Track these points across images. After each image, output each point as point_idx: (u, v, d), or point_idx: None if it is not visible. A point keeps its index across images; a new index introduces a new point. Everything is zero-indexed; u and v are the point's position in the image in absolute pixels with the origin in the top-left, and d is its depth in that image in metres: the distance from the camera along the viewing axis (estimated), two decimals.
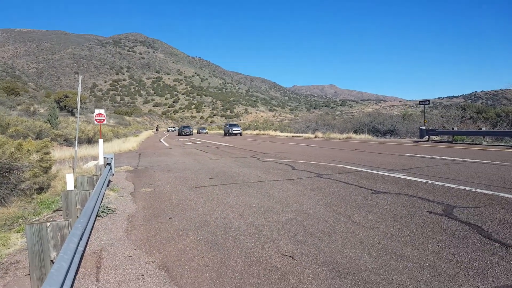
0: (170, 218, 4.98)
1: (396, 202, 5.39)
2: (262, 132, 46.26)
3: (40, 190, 7.73)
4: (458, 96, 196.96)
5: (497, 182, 6.66)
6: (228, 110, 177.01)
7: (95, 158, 14.04)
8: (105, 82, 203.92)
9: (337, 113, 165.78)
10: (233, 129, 41.97)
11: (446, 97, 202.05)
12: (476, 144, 17.62)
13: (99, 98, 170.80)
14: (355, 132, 30.69)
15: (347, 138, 27.29)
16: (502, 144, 17.39)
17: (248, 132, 52.12)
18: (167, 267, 3.28)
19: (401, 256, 3.32)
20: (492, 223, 4.19)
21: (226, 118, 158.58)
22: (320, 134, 31.23)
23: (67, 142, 23.14)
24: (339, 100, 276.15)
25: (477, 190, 6.01)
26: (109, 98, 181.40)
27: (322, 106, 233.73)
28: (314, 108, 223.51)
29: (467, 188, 6.18)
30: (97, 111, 15.12)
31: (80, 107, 10.23)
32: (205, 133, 59.91)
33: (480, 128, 19.77)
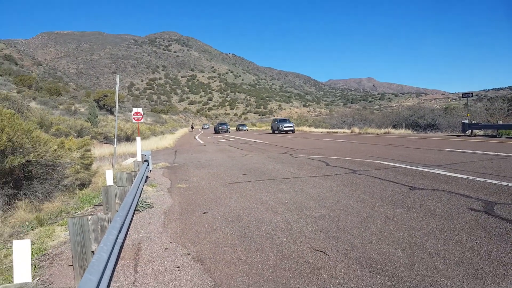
0: (204, 213, 5.12)
1: (434, 199, 5.21)
2: (296, 128, 45.98)
3: (82, 185, 8.21)
4: (505, 88, 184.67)
5: None
6: (262, 107, 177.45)
7: (134, 155, 14.64)
8: (142, 81, 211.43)
9: (375, 107, 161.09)
10: (284, 125, 35.33)
11: (492, 89, 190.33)
12: None
13: (136, 97, 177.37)
14: (394, 127, 29.65)
15: (385, 133, 26.48)
16: None
17: None
18: (202, 259, 3.39)
19: (437, 252, 3.23)
20: None
21: (259, 115, 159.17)
22: (356, 130, 30.53)
23: (106, 139, 24.28)
24: (378, 94, 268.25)
25: None
26: (146, 96, 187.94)
27: (360, 100, 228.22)
28: (351, 103, 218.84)
29: (510, 184, 5.84)
30: (134, 110, 15.71)
31: (118, 105, 10.74)
32: (245, 130, 53.91)
33: None
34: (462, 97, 25.01)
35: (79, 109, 38.65)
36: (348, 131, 31.63)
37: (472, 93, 23.71)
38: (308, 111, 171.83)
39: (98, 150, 16.16)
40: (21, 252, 1.91)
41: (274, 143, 20.50)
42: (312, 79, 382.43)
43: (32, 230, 4.92)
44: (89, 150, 8.62)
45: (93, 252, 2.99)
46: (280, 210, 5.02)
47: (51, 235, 4.57)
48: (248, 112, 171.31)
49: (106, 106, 47.85)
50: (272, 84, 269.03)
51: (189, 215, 5.07)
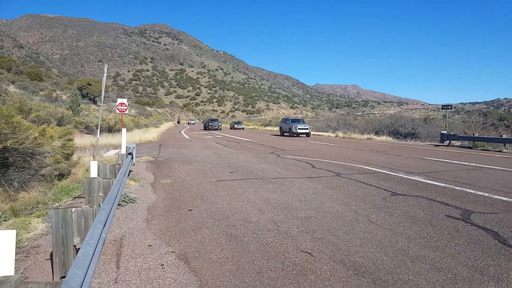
0: (189, 210, 5.09)
1: (414, 205, 5.35)
2: None
3: (61, 176, 7.97)
4: (481, 102, 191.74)
5: None
6: (250, 106, 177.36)
7: (116, 147, 14.39)
8: (128, 71, 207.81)
9: (358, 113, 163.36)
10: (298, 126, 28.26)
11: (469, 102, 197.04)
12: (496, 151, 17.14)
13: (121, 87, 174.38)
14: (376, 133, 30.21)
15: (367, 139, 26.91)
16: None
17: (269, 128, 52.08)
18: (187, 257, 3.37)
19: (418, 257, 3.32)
20: (509, 229, 4.15)
21: (247, 114, 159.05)
22: (340, 134, 30.93)
23: (88, 130, 23.75)
24: (361, 101, 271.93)
25: (495, 196, 5.92)
26: (132, 88, 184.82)
27: (344, 106, 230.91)
28: (336, 108, 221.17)
29: (486, 194, 6.07)
30: (119, 100, 15.43)
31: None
32: (241, 128, 50.03)
33: (501, 135, 19.14)
34: (442, 109, 25.73)
35: (60, 96, 37.68)
36: (333, 135, 32.01)
37: (451, 105, 24.48)
38: (295, 113, 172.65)
39: (79, 140, 15.78)
40: (5, 244, 1.85)
41: (261, 142, 20.54)
42: (300, 82, 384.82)
43: (5, 221, 4.70)
44: (71, 140, 8.38)
45: (74, 246, 2.90)
46: (267, 210, 5.05)
47: (26, 226, 4.38)
48: (236, 110, 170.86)
49: (89, 95, 46.82)
50: (261, 84, 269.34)
51: (174, 212, 5.02)
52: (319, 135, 33.01)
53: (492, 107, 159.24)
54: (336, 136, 30.21)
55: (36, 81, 45.32)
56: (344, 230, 4.11)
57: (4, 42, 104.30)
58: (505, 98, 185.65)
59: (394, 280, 2.84)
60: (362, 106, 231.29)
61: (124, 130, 8.90)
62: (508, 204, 5.37)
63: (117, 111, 12.43)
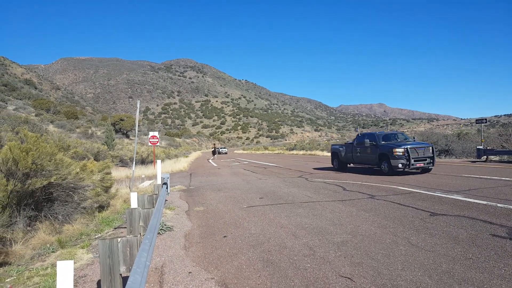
0: (224, 237, 5.14)
1: (455, 225, 5.14)
2: (308, 152, 45.81)
3: (101, 208, 8.31)
4: None
5: None
6: (274, 131, 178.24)
7: (150, 177, 14.81)
8: (157, 105, 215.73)
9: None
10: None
11: (504, 114, 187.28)
12: None
13: (151, 121, 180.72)
14: None
15: None
16: None
17: (294, 152, 51.90)
18: (226, 284, 3.40)
19: (464, 279, 3.19)
20: None
21: (271, 139, 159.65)
22: None
23: (122, 162, 24.62)
24: (389, 119, 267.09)
25: None
26: (161, 120, 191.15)
27: (371, 126, 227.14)
28: (363, 128, 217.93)
29: None
30: (151, 133, 15.99)
31: (135, 129, 10.96)
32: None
33: None
34: (476, 123, 24.84)
35: (95, 133, 39.52)
36: None
37: (486, 119, 23.58)
38: (320, 136, 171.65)
39: (114, 172, 16.38)
40: (64, 273, 1.98)
41: (287, 166, 20.49)
42: (323, 104, 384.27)
43: (53, 252, 4.96)
44: (109, 173, 8.78)
45: (121, 275, 3.03)
46: (300, 234, 5.02)
47: (73, 257, 4.61)
48: (260, 136, 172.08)
49: (122, 130, 48.82)
50: (284, 108, 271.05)
51: (210, 239, 5.09)
52: None
53: None
54: None
55: (72, 119, 47.87)
56: (384, 254, 4.01)
57: (43, 85, 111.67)
58: None
59: None
60: (390, 124, 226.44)
61: (159, 161, 9.21)
62: None
63: (149, 144, 12.92)
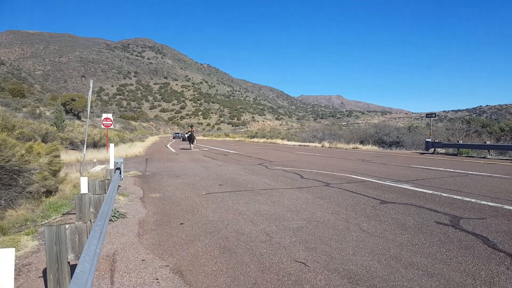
0: (181, 224, 5.05)
1: (404, 212, 5.44)
2: (269, 140, 46.33)
3: (48, 193, 7.82)
4: (463, 110, 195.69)
5: (502, 195, 6.71)
6: (235, 118, 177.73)
7: (102, 162, 14.19)
8: (112, 86, 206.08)
9: (343, 123, 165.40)
10: None
11: (451, 110, 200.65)
12: (480, 157, 17.60)
13: (105, 102, 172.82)
14: (361, 142, 30.67)
15: (353, 148, 27.29)
16: (506, 158, 17.35)
17: (255, 140, 52.23)
18: (181, 271, 3.34)
19: (411, 264, 3.38)
20: (498, 234, 4.25)
21: (233, 126, 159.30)
22: (327, 144, 31.27)
23: (73, 145, 23.36)
24: (346, 111, 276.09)
25: (483, 202, 6.07)
26: (116, 102, 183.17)
27: (329, 116, 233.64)
28: (321, 118, 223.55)
29: (473, 200, 6.22)
30: (104, 116, 15.28)
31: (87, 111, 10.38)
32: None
33: (485, 142, 19.71)
34: (426, 117, 26.36)
35: (44, 113, 37.01)
36: (319, 145, 32.31)
37: (435, 114, 25.06)
38: (281, 124, 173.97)
39: (64, 156, 15.46)
40: (4, 262, 1.81)
41: (248, 154, 20.56)
42: (285, 94, 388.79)
43: None
44: (58, 156, 8.26)
45: (69, 263, 2.88)
46: (258, 221, 5.05)
47: (16, 244, 4.30)
48: (221, 122, 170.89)
49: (73, 111, 46.15)
50: (246, 96, 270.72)
51: (165, 226, 4.98)
52: (305, 145, 33.26)
53: (474, 114, 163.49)
54: (322, 146, 30.51)
55: (18, 97, 44.45)
56: (337, 239, 4.15)
57: None
58: (486, 105, 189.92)
59: (388, 287, 2.89)
60: (347, 116, 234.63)
61: (112, 145, 8.82)
62: (496, 209, 5.52)
63: (102, 126, 12.31)
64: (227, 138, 68.70)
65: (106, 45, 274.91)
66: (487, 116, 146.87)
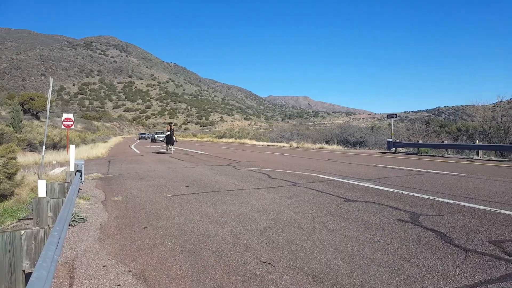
0: (144, 227, 4.91)
1: (366, 210, 5.62)
2: (237, 140, 46.29)
3: (3, 197, 7.36)
4: (423, 111, 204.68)
5: (458, 192, 7.09)
6: (203, 118, 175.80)
7: (62, 164, 13.55)
8: (74, 85, 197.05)
9: (310, 123, 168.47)
10: None
11: (412, 111, 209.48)
12: (439, 156, 18.53)
13: (66, 101, 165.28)
14: (327, 142, 31.41)
15: (319, 148, 27.84)
16: (463, 156, 18.41)
17: (224, 140, 51.97)
18: (144, 276, 3.25)
19: (372, 260, 3.48)
20: (454, 229, 4.47)
21: (201, 126, 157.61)
22: (294, 144, 31.71)
23: (31, 147, 22.16)
24: (312, 112, 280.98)
25: (440, 199, 6.38)
26: (77, 102, 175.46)
27: (297, 117, 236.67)
28: (289, 118, 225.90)
29: (431, 198, 6.53)
30: (65, 116, 14.63)
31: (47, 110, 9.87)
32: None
33: (443, 142, 20.83)
34: (387, 118, 27.44)
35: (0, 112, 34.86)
36: (287, 145, 32.71)
37: (396, 114, 26.13)
38: (249, 125, 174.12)
39: (22, 158, 14.64)
40: None
41: (216, 154, 20.42)
42: (253, 94, 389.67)
43: None
44: (14, 158, 7.77)
45: (23, 271, 2.72)
46: (225, 222, 5.02)
47: None
48: (189, 122, 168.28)
49: (31, 110, 43.83)
50: (214, 96, 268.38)
51: (128, 230, 4.82)
52: (274, 145, 33.55)
53: (433, 115, 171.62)
54: (290, 146, 30.90)
55: None
56: (302, 238, 4.21)
57: None
58: (445, 106, 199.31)
59: (351, 284, 2.96)
60: (313, 116, 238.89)
61: (72, 146, 8.44)
62: (452, 206, 5.81)
63: (63, 127, 11.76)
64: (195, 139, 67.96)
65: (68, 43, 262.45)
66: (445, 117, 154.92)
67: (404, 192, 7.11)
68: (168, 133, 21.68)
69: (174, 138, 22.12)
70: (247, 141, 43.12)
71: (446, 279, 3.02)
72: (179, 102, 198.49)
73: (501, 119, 22.72)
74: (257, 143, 39.56)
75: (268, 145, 35.21)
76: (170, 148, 22.27)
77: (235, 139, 49.64)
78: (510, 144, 18.59)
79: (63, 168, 11.64)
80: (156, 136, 49.40)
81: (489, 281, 2.96)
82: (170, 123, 22.13)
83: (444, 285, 2.91)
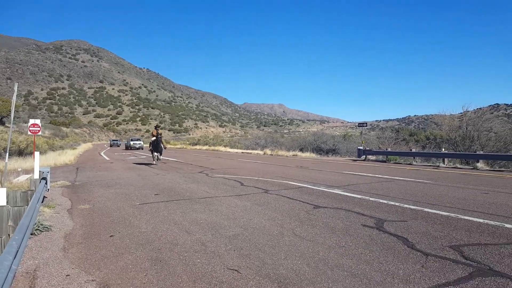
0: (111, 236, 4.82)
1: (334, 216, 5.76)
2: (212, 147, 46.03)
3: None
4: (394, 120, 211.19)
5: (422, 199, 7.38)
6: (177, 124, 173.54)
7: (28, 171, 13.02)
8: (42, 90, 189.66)
9: (285, 131, 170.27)
10: None
11: (383, 120, 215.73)
12: (407, 164, 19.18)
13: (34, 107, 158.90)
14: (301, 150, 31.85)
15: (293, 155, 28.16)
16: (430, 164, 19.17)
17: (198, 147, 51.55)
18: (108, 285, 3.20)
19: (337, 265, 3.58)
20: (416, 235, 4.65)
21: (174, 133, 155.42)
22: (268, 151, 31.92)
23: None
24: (287, 119, 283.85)
25: (405, 205, 6.63)
26: (46, 107, 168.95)
27: (271, 124, 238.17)
28: (264, 126, 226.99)
29: (397, 204, 6.77)
30: (31, 121, 14.09)
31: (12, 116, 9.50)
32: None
33: (411, 150, 21.61)
34: (358, 126, 28.20)
35: None
36: (261, 152, 32.88)
37: (366, 123, 26.94)
38: (224, 132, 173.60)
39: None
40: None
41: (189, 161, 20.24)
42: (228, 101, 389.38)
43: None
44: None
45: None
46: (194, 230, 5.00)
47: None
48: (162, 129, 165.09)
49: None
50: (189, 102, 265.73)
51: (94, 239, 4.71)
52: (248, 153, 33.63)
53: (404, 124, 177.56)
54: (264, 154, 31.07)
55: None
56: (270, 245, 4.26)
57: None
58: (415, 115, 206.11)
59: None
60: (288, 124, 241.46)
61: (37, 153, 8.15)
62: (416, 212, 6.04)
63: (29, 133, 11.31)
64: (168, 145, 66.80)
65: (36, 46, 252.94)
66: (415, 126, 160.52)
67: (371, 199, 7.33)
68: (154, 138, 17.68)
69: (162, 145, 18.16)
70: (222, 148, 43.00)
71: (406, 283, 3.13)
72: (152, 108, 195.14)
73: (466, 128, 23.89)
74: (232, 150, 39.52)
75: (242, 152, 35.25)
76: (156, 158, 17.83)
77: (209, 146, 49.36)
78: (474, 152, 19.52)
79: (28, 176, 11.19)
80: (131, 143, 46.24)
81: (446, 284, 3.09)
82: (157, 127, 18.47)
83: None
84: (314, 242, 4.35)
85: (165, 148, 18.86)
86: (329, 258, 3.79)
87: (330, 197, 7.67)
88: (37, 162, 7.66)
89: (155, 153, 17.66)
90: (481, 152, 18.21)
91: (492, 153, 18.94)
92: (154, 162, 18.05)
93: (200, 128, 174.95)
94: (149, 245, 4.37)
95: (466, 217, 5.61)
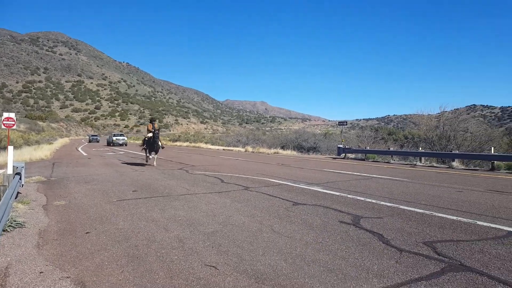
0: (87, 233, 4.73)
1: (312, 213, 5.85)
2: (192, 144, 45.66)
3: None
4: (373, 119, 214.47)
5: (399, 196, 7.58)
6: (157, 120, 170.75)
7: (1, 167, 12.60)
8: (17, 83, 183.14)
9: (267, 129, 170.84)
10: None
11: (363, 119, 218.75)
12: (385, 162, 19.62)
13: (8, 100, 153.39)
14: (283, 147, 32.04)
15: (275, 153, 28.30)
16: (407, 162, 19.68)
17: (178, 143, 51.06)
18: (83, 282, 3.15)
19: (313, 261, 3.65)
20: (391, 231, 4.78)
21: None
22: (250, 149, 31.94)
23: None
24: (269, 117, 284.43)
25: (382, 202, 6.80)
26: (21, 100, 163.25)
27: (254, 122, 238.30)
28: (246, 123, 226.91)
29: (374, 201, 6.93)
30: (5, 115, 13.61)
31: None
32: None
33: (389, 148, 22.15)
34: (338, 125, 28.63)
35: None
36: (243, 149, 32.89)
37: (346, 122, 27.40)
38: (205, 128, 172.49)
39: None
40: None
41: (169, 158, 20.04)
42: (210, 97, 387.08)
43: None
44: None
45: None
46: (172, 227, 4.97)
47: None
48: (141, 124, 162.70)
49: None
50: (169, 97, 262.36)
51: (69, 236, 4.62)
52: (229, 150, 33.57)
53: (383, 123, 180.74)
54: (246, 151, 31.09)
55: None
56: (249, 241, 4.29)
57: None
58: (394, 115, 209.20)
59: (291, 284, 3.07)
60: (270, 121, 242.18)
61: (10, 148, 7.90)
62: (392, 209, 6.20)
63: (3, 127, 10.92)
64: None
65: (11, 37, 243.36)
66: (394, 125, 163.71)
67: (349, 196, 7.48)
68: (151, 134, 14.65)
69: (160, 143, 15.02)
70: (203, 145, 42.70)
71: (380, 278, 3.23)
72: (131, 103, 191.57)
73: (443, 128, 24.62)
74: (213, 147, 39.33)
75: (223, 149, 35.15)
76: (151, 157, 15.25)
77: (190, 142, 48.99)
78: (450, 152, 20.15)
79: (2, 171, 10.83)
80: (114, 138, 42.54)
81: (419, 279, 3.20)
82: (153, 120, 15.37)
83: (377, 284, 3.11)
84: (292, 238, 4.41)
85: (162, 147, 15.88)
86: (306, 254, 3.86)
87: (310, 194, 7.77)
88: (11, 156, 7.43)
89: (152, 153, 15.14)
90: (457, 152, 18.81)
91: (467, 153, 19.61)
92: (148, 162, 15.50)
93: (181, 124, 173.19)
94: (126, 242, 4.32)
95: (440, 214, 5.80)
